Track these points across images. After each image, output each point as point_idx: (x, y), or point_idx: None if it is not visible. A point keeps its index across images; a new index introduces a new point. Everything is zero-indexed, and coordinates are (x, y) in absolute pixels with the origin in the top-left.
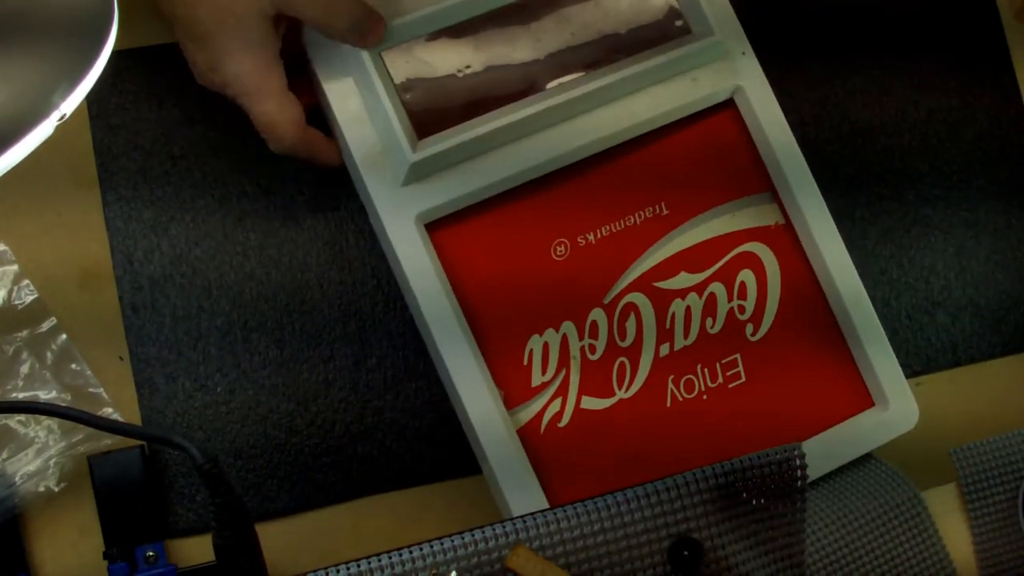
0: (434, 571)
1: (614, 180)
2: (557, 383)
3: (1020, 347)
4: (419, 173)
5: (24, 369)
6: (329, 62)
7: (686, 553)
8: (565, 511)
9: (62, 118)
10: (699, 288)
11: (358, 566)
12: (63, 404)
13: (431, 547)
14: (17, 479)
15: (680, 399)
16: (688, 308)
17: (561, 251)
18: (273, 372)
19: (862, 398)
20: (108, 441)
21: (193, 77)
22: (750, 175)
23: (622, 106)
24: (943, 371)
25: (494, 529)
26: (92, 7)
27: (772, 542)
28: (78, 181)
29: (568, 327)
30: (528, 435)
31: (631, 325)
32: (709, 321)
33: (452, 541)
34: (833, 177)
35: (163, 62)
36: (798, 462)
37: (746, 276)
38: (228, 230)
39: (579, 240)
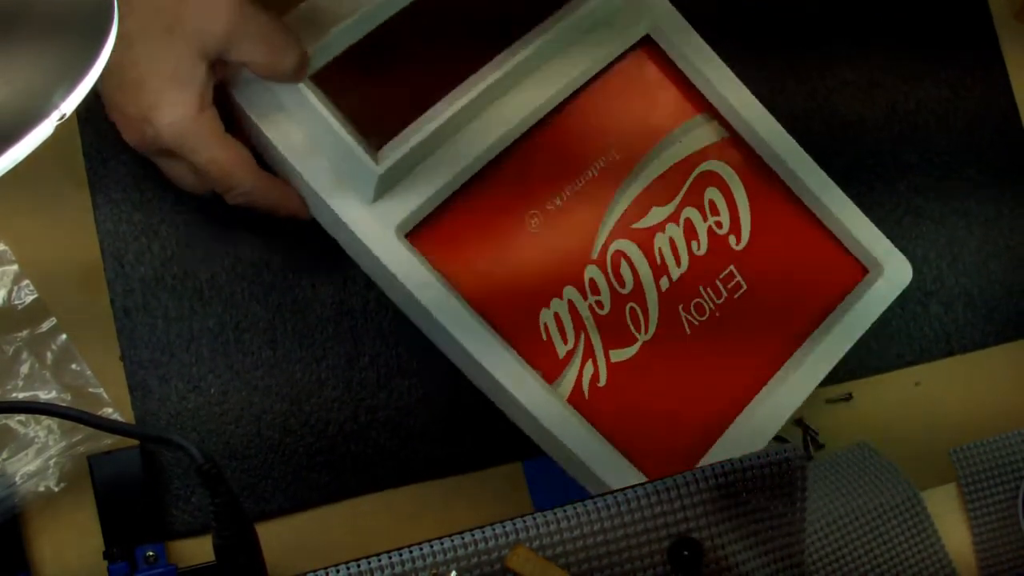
0: (434, 571)
1: (562, 141)
2: (581, 347)
3: (1013, 335)
4: (386, 185)
5: (24, 369)
6: (259, 101)
7: (686, 553)
8: (565, 511)
9: (62, 118)
10: (674, 217)
11: (358, 566)
12: (63, 404)
13: (431, 547)
14: (17, 479)
15: (697, 323)
16: (671, 239)
17: (535, 223)
18: (266, 372)
19: (855, 269)
20: (108, 441)
21: None
22: (685, 100)
23: (551, 68)
24: (937, 360)
25: (494, 529)
26: (92, 6)
27: (772, 542)
28: (76, 182)
29: (570, 292)
30: (578, 405)
31: (626, 271)
32: (694, 244)
33: (452, 541)
34: (824, 169)
35: None
36: (798, 462)
37: (712, 193)
38: (218, 231)
39: (548, 207)
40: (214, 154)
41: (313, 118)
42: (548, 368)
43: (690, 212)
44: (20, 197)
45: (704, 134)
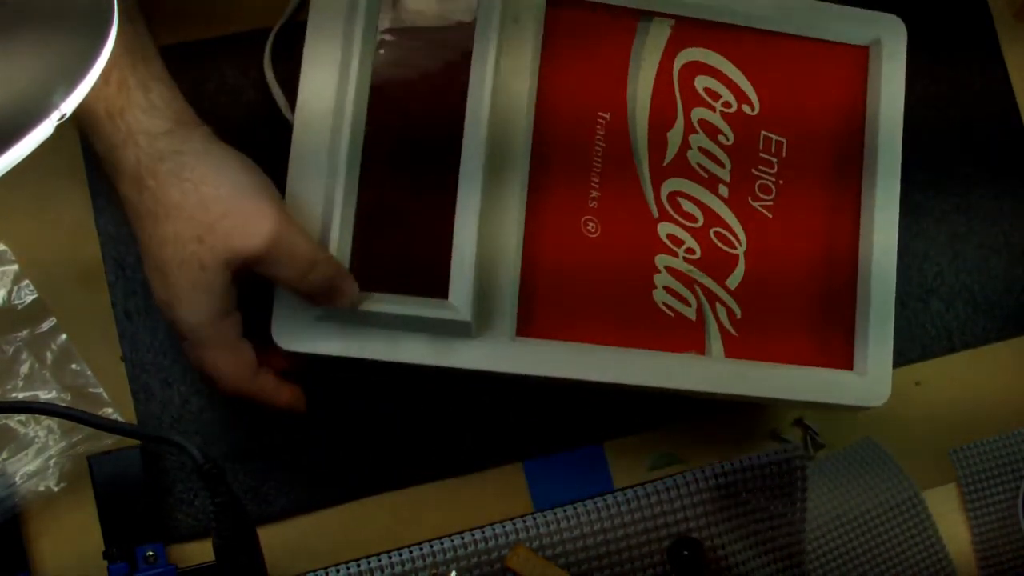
0: (434, 571)
1: (553, 133)
2: (703, 296)
3: (1015, 331)
4: (477, 313)
5: (24, 369)
6: (327, 339)
7: (686, 553)
8: (565, 511)
9: (62, 118)
10: (688, 126)
11: (358, 566)
12: (63, 404)
13: (431, 547)
14: (17, 479)
15: (771, 203)
16: (700, 148)
17: (592, 227)
18: None
19: (854, 54)
20: (108, 441)
21: (179, 84)
22: (620, 20)
23: (506, 59)
24: (939, 358)
25: (494, 529)
26: (92, 6)
27: (772, 542)
28: (76, 182)
29: (661, 260)
30: (736, 352)
31: (688, 205)
32: (722, 138)
33: (452, 541)
34: None
35: None
36: (798, 462)
37: (703, 81)
38: None
39: (591, 205)
40: (212, 358)
41: (389, 321)
42: (691, 341)
43: (698, 113)
44: (20, 197)
45: (657, 33)
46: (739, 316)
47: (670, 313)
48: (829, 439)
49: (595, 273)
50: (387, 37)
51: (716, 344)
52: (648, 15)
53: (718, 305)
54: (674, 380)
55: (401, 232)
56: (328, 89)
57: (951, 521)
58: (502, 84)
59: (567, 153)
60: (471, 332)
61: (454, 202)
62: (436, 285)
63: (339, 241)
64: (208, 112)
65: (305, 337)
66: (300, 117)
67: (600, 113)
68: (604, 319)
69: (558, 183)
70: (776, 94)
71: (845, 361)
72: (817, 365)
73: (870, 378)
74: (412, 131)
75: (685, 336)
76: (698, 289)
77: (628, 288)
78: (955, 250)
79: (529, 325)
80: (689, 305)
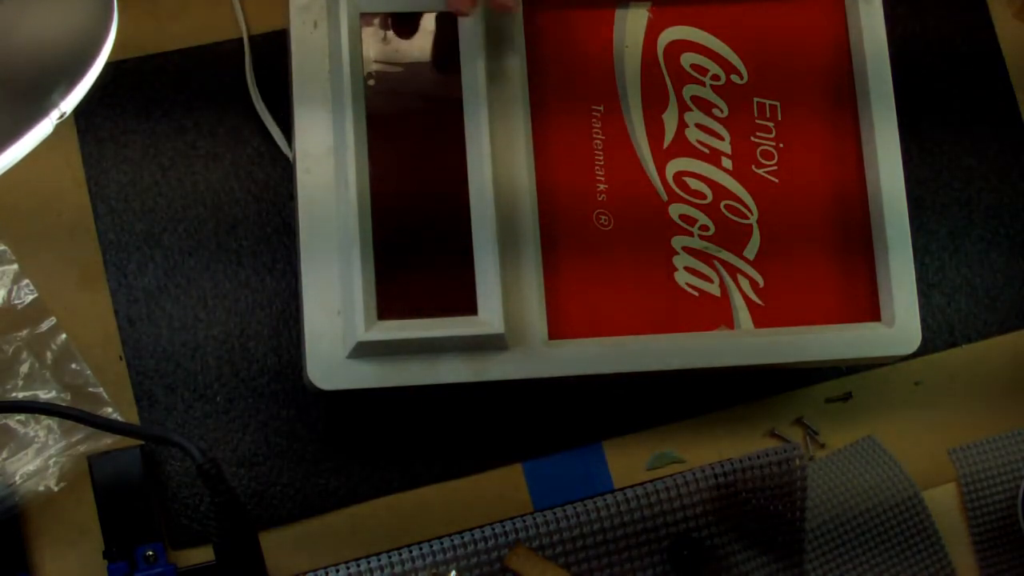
0: (434, 571)
1: (553, 128)
2: (724, 272)
3: (1016, 325)
4: (510, 329)
5: (24, 369)
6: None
7: (686, 553)
8: (565, 511)
9: (62, 116)
10: (681, 105)
11: (358, 566)
12: (63, 404)
13: (431, 547)
14: (17, 479)
15: (775, 168)
16: (697, 124)
17: (604, 219)
18: (272, 379)
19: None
20: (108, 441)
21: (177, 89)
22: (596, 13)
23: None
24: (940, 352)
25: (494, 529)
26: (92, 6)
27: (772, 542)
28: (76, 182)
29: (678, 241)
30: (764, 320)
31: (695, 183)
32: (716, 112)
33: (452, 541)
34: None
35: (149, 73)
36: (798, 462)
37: (687, 58)
38: (221, 238)
39: (599, 198)
40: None
41: (423, 345)
42: (719, 317)
43: (689, 90)
44: (20, 197)
45: (635, 23)
46: (762, 285)
47: (694, 293)
48: (829, 439)
49: (615, 265)
50: (376, 69)
51: (744, 316)
52: (624, 2)
53: (740, 277)
54: (708, 359)
55: (422, 255)
56: (324, 139)
57: (951, 521)
58: (496, 93)
59: (567, 152)
60: (505, 343)
61: (468, 217)
62: (464, 302)
63: (362, 272)
64: (201, 116)
65: (341, 375)
66: (302, 165)
67: (593, 107)
68: (631, 309)
69: (564, 184)
70: (762, 59)
71: (871, 313)
72: (845, 321)
73: (898, 326)
74: (414, 153)
75: (712, 313)
76: (718, 264)
77: (650, 274)
78: (955, 244)
79: (559, 327)
80: (712, 282)
